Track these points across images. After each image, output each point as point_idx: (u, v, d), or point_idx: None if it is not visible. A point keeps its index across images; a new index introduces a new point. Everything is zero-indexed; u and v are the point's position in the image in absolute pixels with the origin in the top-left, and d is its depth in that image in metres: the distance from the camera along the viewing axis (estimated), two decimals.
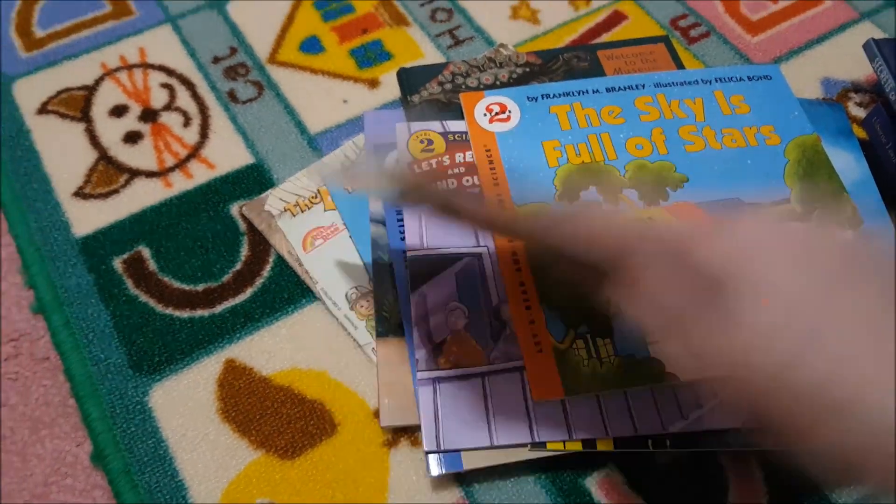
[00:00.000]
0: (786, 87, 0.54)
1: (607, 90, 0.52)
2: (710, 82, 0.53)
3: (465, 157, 0.50)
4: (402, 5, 0.62)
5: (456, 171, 0.50)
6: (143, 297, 0.48)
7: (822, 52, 0.61)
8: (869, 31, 0.62)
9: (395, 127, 0.52)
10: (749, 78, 0.54)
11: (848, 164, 0.51)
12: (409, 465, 0.42)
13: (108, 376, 0.45)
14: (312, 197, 0.52)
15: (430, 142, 0.51)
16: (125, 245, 0.50)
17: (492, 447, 0.41)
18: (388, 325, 0.46)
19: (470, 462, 0.41)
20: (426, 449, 0.41)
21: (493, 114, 0.52)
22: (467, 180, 0.49)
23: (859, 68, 0.59)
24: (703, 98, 0.53)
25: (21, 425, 0.44)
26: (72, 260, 0.49)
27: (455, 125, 0.52)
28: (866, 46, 0.54)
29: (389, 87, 0.58)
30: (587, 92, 0.52)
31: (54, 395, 0.45)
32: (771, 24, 0.62)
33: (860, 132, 0.55)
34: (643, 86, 0.53)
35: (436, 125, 0.52)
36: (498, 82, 0.55)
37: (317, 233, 0.51)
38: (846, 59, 0.59)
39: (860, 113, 0.57)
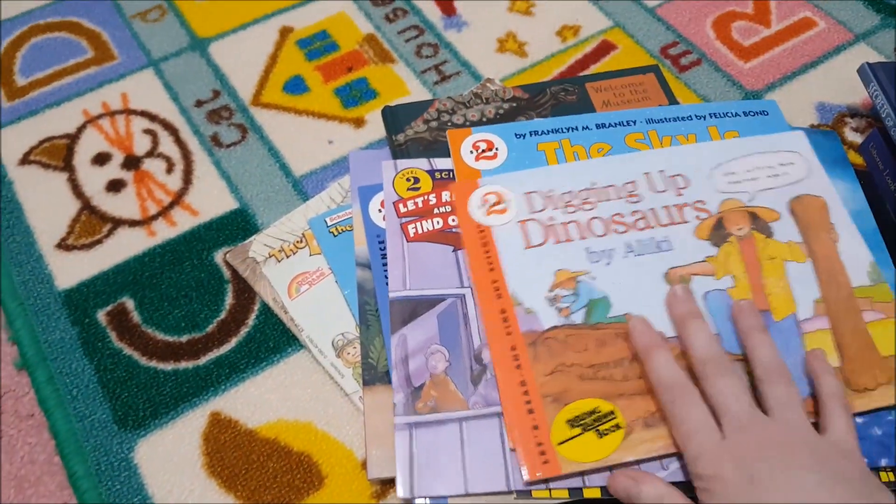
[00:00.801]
0: (783, 124, 0.53)
1: (597, 126, 0.51)
2: (705, 118, 0.52)
3: (451, 196, 0.49)
4: (388, 42, 0.62)
5: (442, 209, 0.49)
6: (128, 350, 0.47)
7: (816, 77, 0.60)
8: (864, 53, 0.61)
9: (380, 167, 0.52)
10: (745, 113, 0.53)
11: (844, 194, 0.49)
12: None
13: (92, 432, 0.44)
14: (297, 241, 0.51)
15: (417, 179, 0.50)
16: (109, 296, 0.49)
17: (466, 494, 0.40)
18: (375, 372, 0.45)
19: None
20: (399, 495, 0.40)
21: (479, 151, 0.51)
22: (453, 219, 0.48)
23: (855, 92, 0.58)
24: (697, 134, 0.52)
25: (7, 485, 0.43)
26: (55, 314, 0.48)
27: (442, 163, 0.51)
28: (861, 71, 0.53)
29: (375, 126, 0.57)
30: (577, 129, 0.51)
31: (39, 453, 0.44)
32: (764, 49, 0.61)
33: (856, 158, 0.54)
34: (634, 122, 0.52)
35: (422, 163, 0.51)
36: (484, 118, 0.54)
37: (302, 278, 0.50)
38: (841, 83, 0.58)
39: (857, 138, 0.55)
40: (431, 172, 0.51)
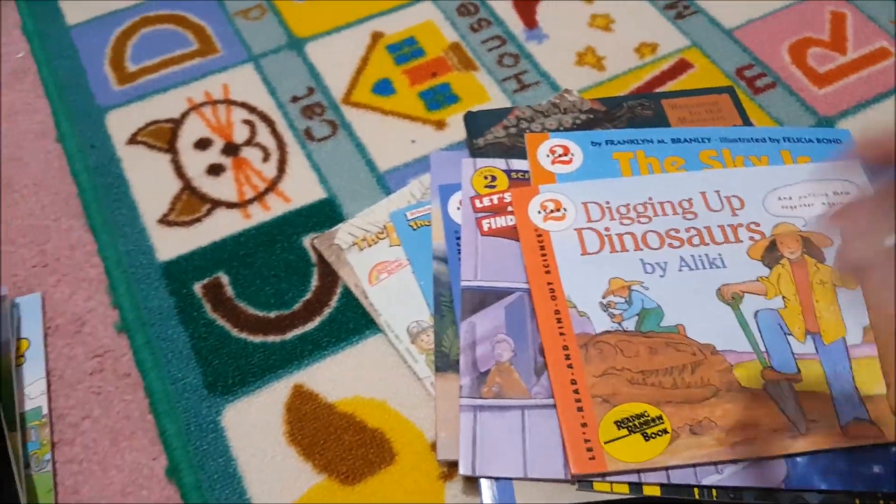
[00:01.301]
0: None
1: (672, 141, 0.54)
2: (779, 141, 0.54)
3: (512, 199, 0.52)
4: (471, 50, 0.65)
5: None
6: (220, 321, 0.51)
7: (889, 107, 0.61)
8: None
9: (459, 167, 0.55)
10: (819, 140, 0.54)
11: None
12: (463, 498, 0.44)
13: (184, 395, 0.48)
14: (379, 233, 0.54)
15: (494, 178, 0.53)
16: (205, 271, 0.53)
17: (525, 478, 0.42)
18: (447, 360, 0.47)
19: (522, 496, 0.42)
20: (461, 472, 0.42)
21: (555, 155, 0.54)
22: None
23: None
24: (769, 156, 0.53)
25: (103, 437, 0.47)
26: (155, 283, 0.53)
27: (518, 164, 0.54)
28: None
29: (456, 129, 0.60)
30: (652, 141, 0.54)
31: (134, 410, 0.48)
32: (838, 76, 0.63)
33: None
34: (709, 139, 0.54)
35: (500, 163, 0.54)
36: (561, 128, 0.56)
37: (382, 267, 0.53)
38: None
39: None
40: (508, 172, 0.54)
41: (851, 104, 0.61)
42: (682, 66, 0.63)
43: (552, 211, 0.51)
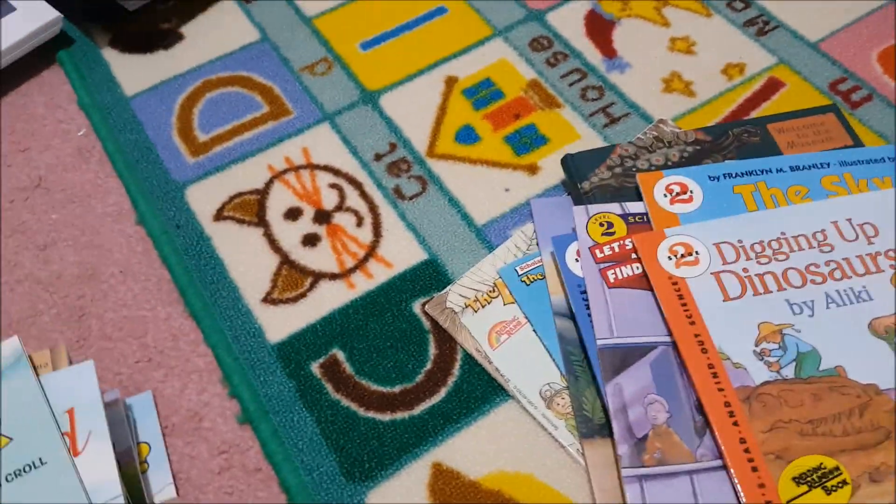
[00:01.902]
0: None
1: (791, 169, 0.52)
2: None
3: (636, 247, 0.49)
4: (551, 87, 0.63)
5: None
6: (345, 402, 0.49)
7: None
8: None
9: (564, 214, 0.53)
10: None
11: None
12: None
13: (322, 485, 0.46)
14: (490, 291, 0.52)
15: (610, 224, 0.51)
16: (320, 348, 0.51)
17: None
18: (591, 425, 0.45)
19: None
20: None
21: (673, 194, 0.52)
22: None
23: None
24: (893, 177, 0.51)
25: None
26: (270, 367, 0.50)
27: (634, 207, 0.52)
28: None
29: (549, 172, 0.58)
30: (771, 171, 0.52)
31: None
32: None
33: None
34: (828, 164, 0.52)
35: (614, 207, 0.52)
36: (669, 162, 0.54)
37: (500, 328, 0.51)
38: None
39: None
40: (624, 217, 0.52)
41: None
42: (773, 86, 0.61)
43: (683, 255, 0.49)
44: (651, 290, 0.48)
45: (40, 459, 0.43)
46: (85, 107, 0.66)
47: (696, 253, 0.49)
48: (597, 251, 0.50)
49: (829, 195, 0.51)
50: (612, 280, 0.49)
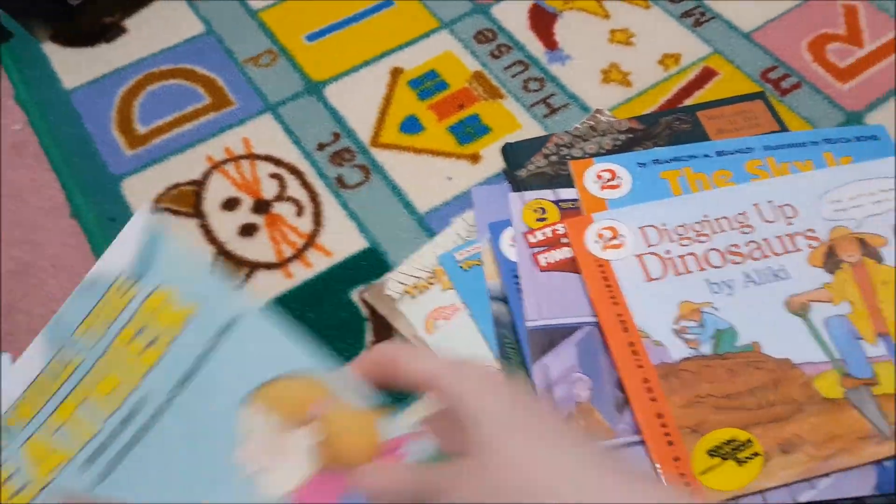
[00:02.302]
0: (891, 148, 0.54)
1: (717, 154, 0.53)
2: (819, 143, 0.54)
3: (567, 231, 0.50)
4: (495, 78, 0.64)
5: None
6: None
7: None
8: None
9: (503, 201, 0.53)
10: (857, 139, 0.54)
11: None
12: None
13: None
14: (430, 278, 0.53)
15: (543, 210, 0.52)
16: None
17: None
18: None
19: None
20: None
21: (603, 181, 0.53)
22: None
23: None
24: (813, 160, 0.53)
25: None
26: None
27: (566, 193, 0.53)
28: None
29: (491, 161, 0.59)
30: (697, 156, 0.53)
31: None
32: (860, 69, 0.63)
33: None
34: (752, 149, 0.53)
35: (548, 194, 0.53)
36: (602, 150, 0.55)
37: (437, 313, 0.51)
38: None
39: None
40: (557, 203, 0.53)
41: (876, 96, 0.61)
42: (707, 75, 0.62)
43: (610, 239, 0.50)
44: (579, 272, 0.49)
45: None
46: (22, 102, 0.65)
47: (622, 236, 0.50)
48: (529, 236, 0.51)
49: (752, 178, 0.52)
50: (543, 264, 0.49)
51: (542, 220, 0.52)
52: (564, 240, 0.50)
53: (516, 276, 0.50)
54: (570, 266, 0.49)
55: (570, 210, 0.52)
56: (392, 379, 0.33)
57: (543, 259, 0.50)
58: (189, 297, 0.39)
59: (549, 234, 0.51)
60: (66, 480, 0.38)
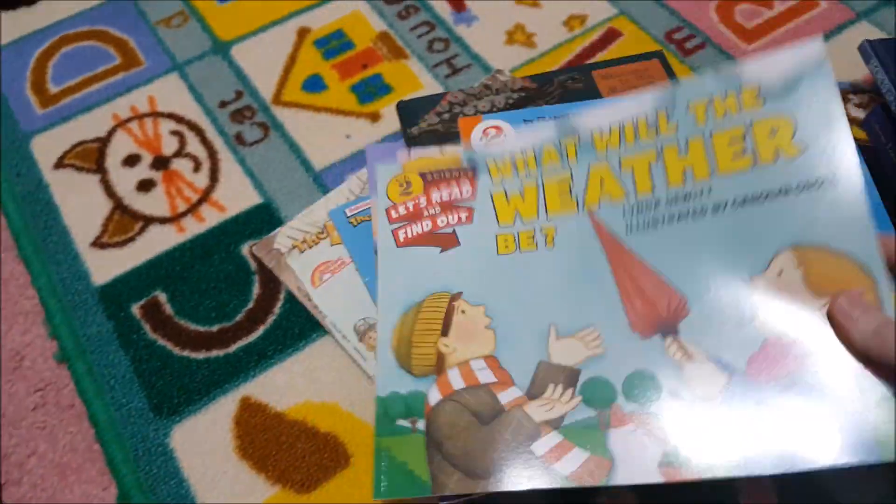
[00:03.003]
0: None
1: None
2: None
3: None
4: (400, 38, 0.64)
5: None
6: (161, 341, 0.50)
7: None
8: (866, 30, 0.62)
9: (397, 158, 0.54)
10: None
11: None
12: None
13: (130, 420, 0.47)
14: (319, 233, 0.53)
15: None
16: (142, 291, 0.52)
17: None
18: None
19: None
20: None
21: (489, 137, 0.53)
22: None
23: (857, 69, 0.58)
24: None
25: (50, 472, 0.46)
26: (92, 308, 0.51)
27: (453, 150, 0.53)
28: (861, 48, 0.53)
29: (390, 120, 0.59)
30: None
31: (80, 441, 0.47)
32: (766, 30, 0.62)
33: (859, 133, 0.54)
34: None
35: (433, 151, 0.53)
36: (495, 109, 0.55)
37: (324, 267, 0.52)
38: (843, 61, 0.59)
39: (860, 114, 0.56)
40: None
41: None
42: (611, 36, 0.62)
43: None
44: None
45: None
46: None
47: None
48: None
49: None
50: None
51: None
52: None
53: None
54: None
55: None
56: None
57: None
58: (803, 140, 0.42)
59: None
60: (608, 214, 0.45)
